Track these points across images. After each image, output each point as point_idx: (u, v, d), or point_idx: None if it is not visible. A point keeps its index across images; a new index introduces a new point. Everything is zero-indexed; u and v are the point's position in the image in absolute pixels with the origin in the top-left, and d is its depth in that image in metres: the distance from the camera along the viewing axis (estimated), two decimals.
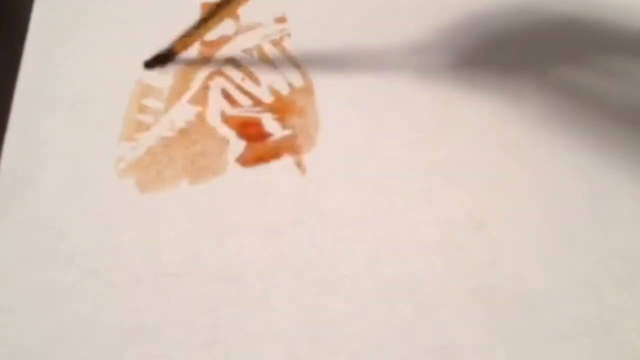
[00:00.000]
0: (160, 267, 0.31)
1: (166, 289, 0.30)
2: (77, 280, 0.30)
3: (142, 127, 0.36)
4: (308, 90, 0.37)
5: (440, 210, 0.33)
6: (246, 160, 0.34)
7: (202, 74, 0.38)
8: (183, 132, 0.35)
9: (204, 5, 0.41)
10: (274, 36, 0.39)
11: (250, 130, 0.35)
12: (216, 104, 0.36)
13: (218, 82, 0.37)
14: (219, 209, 0.33)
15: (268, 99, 0.37)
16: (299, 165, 0.34)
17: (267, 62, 0.38)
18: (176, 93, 0.37)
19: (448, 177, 0.34)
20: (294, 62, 0.38)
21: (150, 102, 0.37)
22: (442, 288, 0.30)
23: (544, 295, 0.30)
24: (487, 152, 0.34)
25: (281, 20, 0.40)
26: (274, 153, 0.35)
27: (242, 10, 0.40)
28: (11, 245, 0.32)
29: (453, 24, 0.39)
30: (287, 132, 0.35)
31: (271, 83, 0.37)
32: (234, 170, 0.34)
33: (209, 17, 0.37)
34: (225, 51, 0.39)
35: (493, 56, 0.38)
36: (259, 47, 0.39)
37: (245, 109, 0.36)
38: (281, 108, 0.36)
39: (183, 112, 0.36)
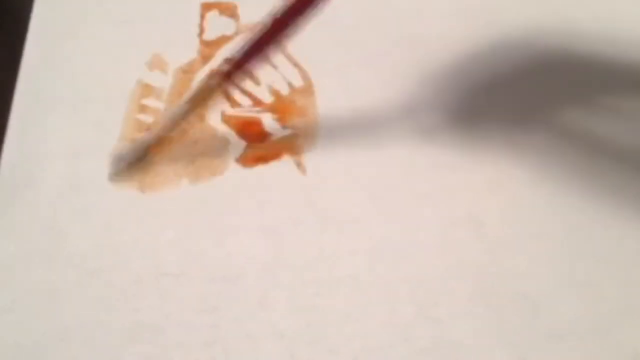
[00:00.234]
0: (160, 267, 0.31)
1: (166, 289, 0.30)
2: (77, 280, 0.30)
3: (142, 127, 0.36)
4: (308, 90, 0.37)
5: (440, 210, 0.33)
6: (246, 160, 0.34)
7: (202, 74, 0.38)
8: (183, 132, 0.35)
9: (203, 5, 0.41)
10: None
11: (250, 130, 0.35)
12: (216, 104, 0.36)
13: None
14: (219, 209, 0.33)
15: (268, 99, 0.37)
16: (299, 165, 0.34)
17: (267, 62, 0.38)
18: (176, 93, 0.37)
19: (448, 177, 0.34)
20: (294, 62, 0.38)
21: (150, 102, 0.37)
22: (442, 288, 0.30)
23: (544, 295, 0.30)
24: (487, 151, 0.34)
25: None
26: (274, 153, 0.35)
27: (242, 10, 0.40)
28: (11, 245, 0.32)
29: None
30: (287, 132, 0.35)
31: (271, 83, 0.37)
32: (234, 170, 0.34)
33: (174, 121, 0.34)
34: (225, 51, 0.39)
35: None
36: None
37: (245, 109, 0.36)
38: (281, 108, 0.36)
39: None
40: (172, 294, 0.30)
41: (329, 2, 0.29)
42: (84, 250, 0.31)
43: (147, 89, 0.37)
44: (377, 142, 0.35)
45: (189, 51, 0.39)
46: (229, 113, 0.36)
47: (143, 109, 0.36)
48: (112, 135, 0.35)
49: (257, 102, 0.37)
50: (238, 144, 0.35)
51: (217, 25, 0.40)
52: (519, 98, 0.36)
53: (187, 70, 0.38)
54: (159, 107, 0.36)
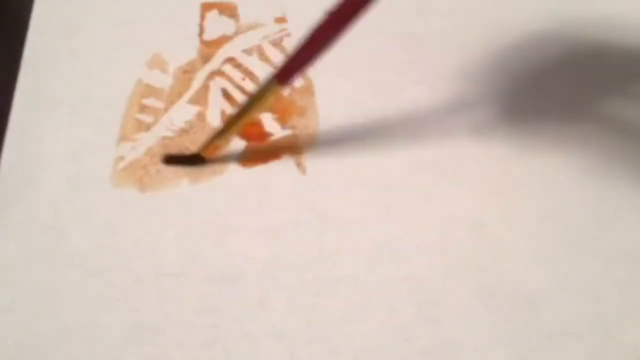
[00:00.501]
0: (160, 267, 0.31)
1: (166, 289, 0.30)
2: (77, 280, 0.30)
3: (142, 126, 0.36)
4: (308, 90, 0.37)
5: (440, 210, 0.33)
6: (246, 160, 0.34)
7: (202, 74, 0.38)
8: (183, 132, 0.35)
9: (203, 5, 0.41)
10: (274, 36, 0.39)
11: (250, 130, 0.35)
12: (216, 104, 0.36)
13: (218, 82, 0.37)
14: (219, 209, 0.33)
15: None
16: (299, 165, 0.34)
17: (267, 62, 0.38)
18: (176, 93, 0.37)
19: (448, 177, 0.34)
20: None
21: (150, 102, 0.37)
22: (442, 288, 0.30)
23: (544, 295, 0.30)
24: (487, 152, 0.34)
25: (281, 20, 0.40)
26: (274, 153, 0.35)
27: (242, 10, 0.40)
28: (11, 245, 0.32)
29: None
30: (287, 132, 0.35)
31: None
32: (234, 170, 0.34)
33: (233, 121, 0.33)
34: (225, 51, 0.39)
35: None
36: (259, 47, 0.39)
37: None
38: (281, 108, 0.36)
39: (183, 112, 0.36)
40: (172, 294, 0.30)
41: None
42: (84, 250, 0.31)
43: (147, 89, 0.37)
44: (376, 142, 0.35)
45: (189, 51, 0.39)
46: (229, 113, 0.36)
47: (143, 108, 0.36)
48: (112, 135, 0.35)
49: None
50: (238, 144, 0.35)
51: (217, 25, 0.40)
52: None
53: (187, 70, 0.38)
54: (159, 106, 0.36)
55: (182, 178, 0.34)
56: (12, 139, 0.35)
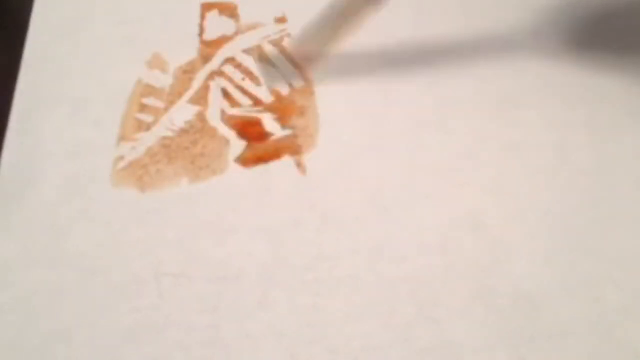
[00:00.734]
0: (160, 267, 0.31)
1: (166, 289, 0.30)
2: (77, 280, 0.30)
3: (142, 126, 0.36)
4: (308, 90, 0.37)
5: (440, 210, 0.33)
6: (246, 160, 0.34)
7: (202, 73, 0.38)
8: (183, 132, 0.35)
9: (203, 5, 0.41)
10: (274, 36, 0.39)
11: (250, 130, 0.35)
12: (216, 103, 0.36)
13: (218, 82, 0.37)
14: (219, 209, 0.33)
15: (268, 99, 0.37)
16: (299, 165, 0.34)
17: (267, 62, 0.38)
18: (176, 93, 0.37)
19: (448, 177, 0.34)
20: (294, 62, 0.38)
21: (150, 102, 0.37)
22: (442, 288, 0.30)
23: (544, 295, 0.30)
24: (487, 152, 0.34)
25: (281, 20, 0.40)
26: (274, 153, 0.35)
27: (242, 10, 0.40)
28: (11, 245, 0.32)
29: None
30: (287, 132, 0.35)
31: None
32: (234, 170, 0.34)
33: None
34: (225, 51, 0.39)
35: None
36: (259, 47, 0.39)
37: (245, 109, 0.36)
38: (281, 108, 0.36)
39: (183, 112, 0.36)
40: (172, 294, 0.30)
41: None
42: (84, 250, 0.31)
43: (147, 89, 0.37)
44: (377, 142, 0.35)
45: (189, 51, 0.39)
46: (229, 113, 0.36)
47: (143, 108, 0.36)
48: (112, 134, 0.35)
49: (257, 102, 0.37)
50: (238, 144, 0.35)
51: (217, 25, 0.40)
52: None
53: (187, 70, 0.38)
54: (159, 106, 0.36)
55: (182, 178, 0.34)
56: (12, 139, 0.35)
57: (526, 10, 0.39)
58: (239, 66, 0.38)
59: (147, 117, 0.36)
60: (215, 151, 0.35)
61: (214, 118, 0.36)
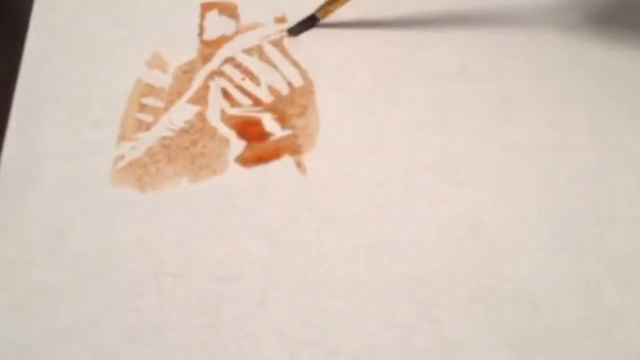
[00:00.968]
0: (160, 267, 0.31)
1: (166, 289, 0.30)
2: (77, 280, 0.30)
3: (142, 126, 0.36)
4: (308, 90, 0.37)
5: (440, 210, 0.33)
6: (246, 160, 0.34)
7: (202, 73, 0.38)
8: (183, 132, 0.35)
9: (203, 5, 0.41)
10: (274, 36, 0.39)
11: (250, 130, 0.35)
12: (216, 103, 0.36)
13: (218, 82, 0.37)
14: (219, 209, 0.33)
15: (268, 99, 0.37)
16: (299, 165, 0.34)
17: (267, 62, 0.38)
18: (176, 93, 0.37)
19: (448, 177, 0.34)
20: (294, 62, 0.38)
21: (150, 102, 0.37)
22: (442, 288, 0.30)
23: (544, 295, 0.30)
24: (487, 152, 0.34)
25: (281, 20, 0.40)
26: (274, 153, 0.35)
27: (242, 10, 0.40)
28: (11, 245, 0.32)
29: None
30: (287, 132, 0.35)
31: (271, 83, 0.37)
32: (234, 170, 0.34)
33: None
34: (225, 51, 0.39)
35: None
36: (259, 47, 0.39)
37: (245, 109, 0.36)
38: (281, 108, 0.36)
39: (183, 112, 0.36)
40: (172, 294, 0.30)
41: None
42: (84, 250, 0.31)
43: (146, 88, 0.37)
44: (377, 142, 0.35)
45: (189, 51, 0.39)
46: (229, 113, 0.36)
47: (143, 108, 0.36)
48: (112, 134, 0.35)
49: (257, 102, 0.37)
50: (238, 144, 0.35)
51: (217, 25, 0.40)
52: None
53: (187, 70, 0.38)
54: (159, 106, 0.36)
55: (181, 178, 0.34)
56: (12, 138, 0.35)
57: (526, 10, 0.39)
58: (239, 66, 0.38)
59: (147, 117, 0.36)
60: (215, 151, 0.35)
61: (214, 118, 0.36)
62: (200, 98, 0.37)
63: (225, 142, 0.35)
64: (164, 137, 0.35)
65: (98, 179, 0.34)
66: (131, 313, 0.30)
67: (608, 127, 0.35)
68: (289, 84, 0.37)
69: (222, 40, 0.39)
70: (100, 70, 0.38)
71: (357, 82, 0.37)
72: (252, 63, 0.38)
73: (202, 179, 0.34)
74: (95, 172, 0.34)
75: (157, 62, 0.38)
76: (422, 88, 0.37)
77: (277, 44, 0.39)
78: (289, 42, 0.39)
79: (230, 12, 0.40)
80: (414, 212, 0.33)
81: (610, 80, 0.37)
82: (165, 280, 0.30)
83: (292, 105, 0.36)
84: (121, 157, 0.34)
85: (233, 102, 0.37)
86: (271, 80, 0.37)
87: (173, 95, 0.37)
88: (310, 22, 0.39)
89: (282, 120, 0.36)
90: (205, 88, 0.37)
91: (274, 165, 0.34)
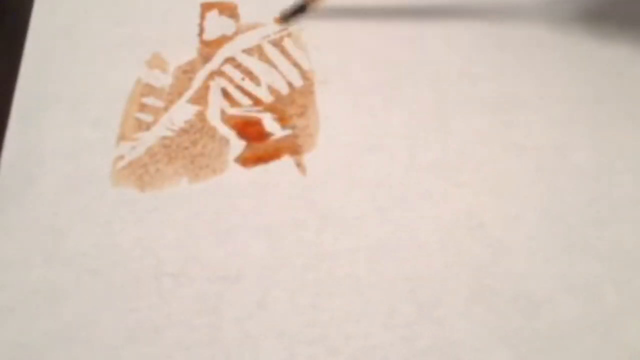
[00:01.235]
0: (160, 267, 0.31)
1: (166, 289, 0.30)
2: (77, 280, 0.30)
3: (142, 126, 0.36)
4: (308, 90, 0.37)
5: (440, 210, 0.33)
6: (246, 160, 0.34)
7: (202, 73, 0.38)
8: (183, 132, 0.35)
9: (203, 5, 0.41)
10: (274, 36, 0.39)
11: (250, 130, 0.35)
12: (216, 103, 0.36)
13: (218, 82, 0.37)
14: (218, 209, 0.33)
15: (268, 99, 0.37)
16: (299, 165, 0.34)
17: (267, 62, 0.38)
18: (176, 92, 0.37)
19: (448, 177, 0.34)
20: (294, 62, 0.38)
21: (150, 101, 0.37)
22: (442, 288, 0.30)
23: (544, 295, 0.30)
24: (487, 152, 0.34)
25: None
26: (274, 153, 0.35)
27: (242, 10, 0.40)
28: (11, 245, 0.32)
29: None
30: (287, 132, 0.35)
31: (271, 83, 0.37)
32: (234, 170, 0.34)
33: None
34: (225, 51, 0.39)
35: None
36: (259, 47, 0.39)
37: (245, 109, 0.36)
38: (281, 108, 0.36)
39: (183, 112, 0.36)
40: (172, 294, 0.30)
41: None
42: (84, 250, 0.31)
43: (146, 88, 0.37)
44: (377, 142, 0.35)
45: (189, 51, 0.39)
46: (229, 113, 0.36)
47: (143, 108, 0.36)
48: (112, 134, 0.35)
49: (257, 102, 0.37)
50: (238, 144, 0.35)
51: (217, 25, 0.40)
52: None
53: (187, 70, 0.38)
54: (159, 106, 0.36)
55: (181, 177, 0.34)
56: (12, 138, 0.35)
57: (527, 10, 0.40)
58: (239, 66, 0.38)
59: (147, 117, 0.36)
60: (215, 151, 0.35)
61: (214, 118, 0.36)
62: (200, 98, 0.37)
63: (225, 142, 0.35)
64: (164, 137, 0.35)
65: (98, 179, 0.34)
66: (131, 313, 0.30)
67: (608, 127, 0.35)
68: (289, 84, 0.37)
69: (222, 40, 0.39)
70: (100, 70, 0.38)
71: (357, 82, 0.37)
72: (252, 63, 0.38)
73: (202, 179, 0.34)
74: (95, 172, 0.34)
75: (157, 62, 0.38)
76: (422, 88, 0.37)
77: (277, 44, 0.39)
78: (289, 42, 0.39)
79: (230, 12, 0.40)
80: (414, 212, 0.33)
81: (611, 81, 0.37)
82: (165, 280, 0.30)
83: (292, 105, 0.36)
84: (121, 157, 0.34)
85: (233, 102, 0.37)
86: (271, 80, 0.37)
87: (173, 95, 0.37)
88: (301, 8, 0.39)
89: (282, 120, 0.36)
90: (205, 88, 0.37)
91: (274, 165, 0.34)
